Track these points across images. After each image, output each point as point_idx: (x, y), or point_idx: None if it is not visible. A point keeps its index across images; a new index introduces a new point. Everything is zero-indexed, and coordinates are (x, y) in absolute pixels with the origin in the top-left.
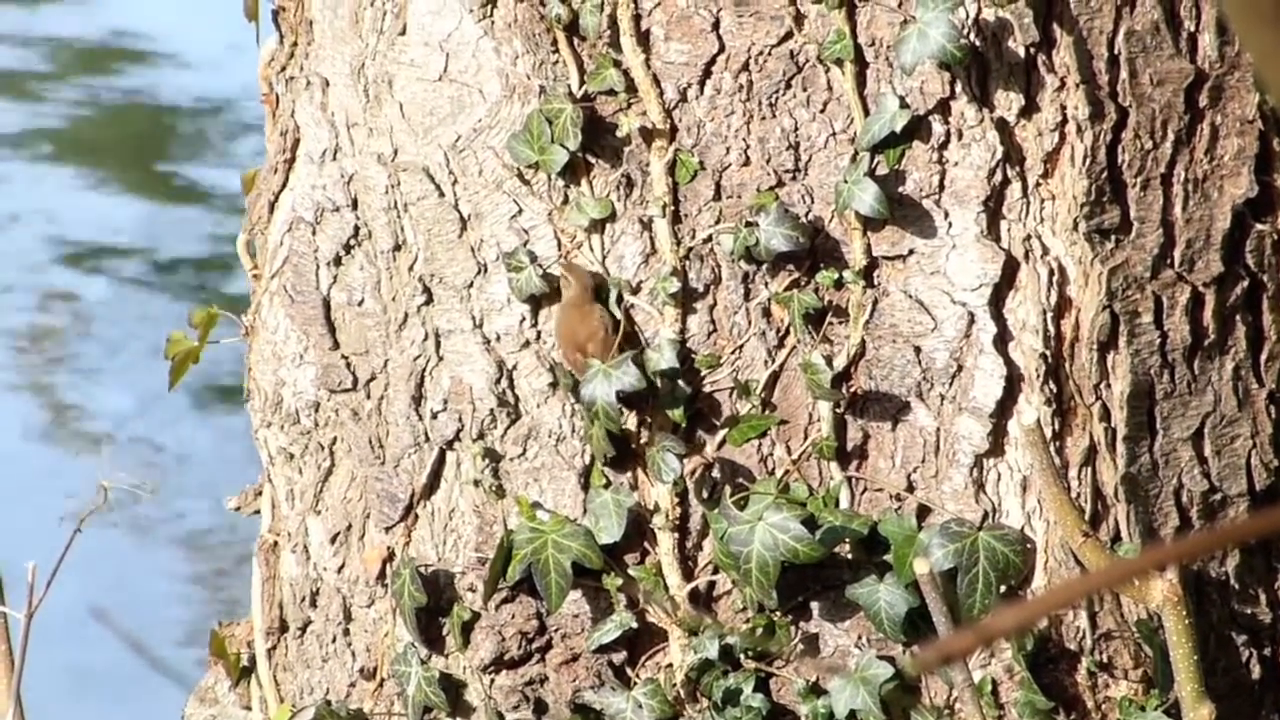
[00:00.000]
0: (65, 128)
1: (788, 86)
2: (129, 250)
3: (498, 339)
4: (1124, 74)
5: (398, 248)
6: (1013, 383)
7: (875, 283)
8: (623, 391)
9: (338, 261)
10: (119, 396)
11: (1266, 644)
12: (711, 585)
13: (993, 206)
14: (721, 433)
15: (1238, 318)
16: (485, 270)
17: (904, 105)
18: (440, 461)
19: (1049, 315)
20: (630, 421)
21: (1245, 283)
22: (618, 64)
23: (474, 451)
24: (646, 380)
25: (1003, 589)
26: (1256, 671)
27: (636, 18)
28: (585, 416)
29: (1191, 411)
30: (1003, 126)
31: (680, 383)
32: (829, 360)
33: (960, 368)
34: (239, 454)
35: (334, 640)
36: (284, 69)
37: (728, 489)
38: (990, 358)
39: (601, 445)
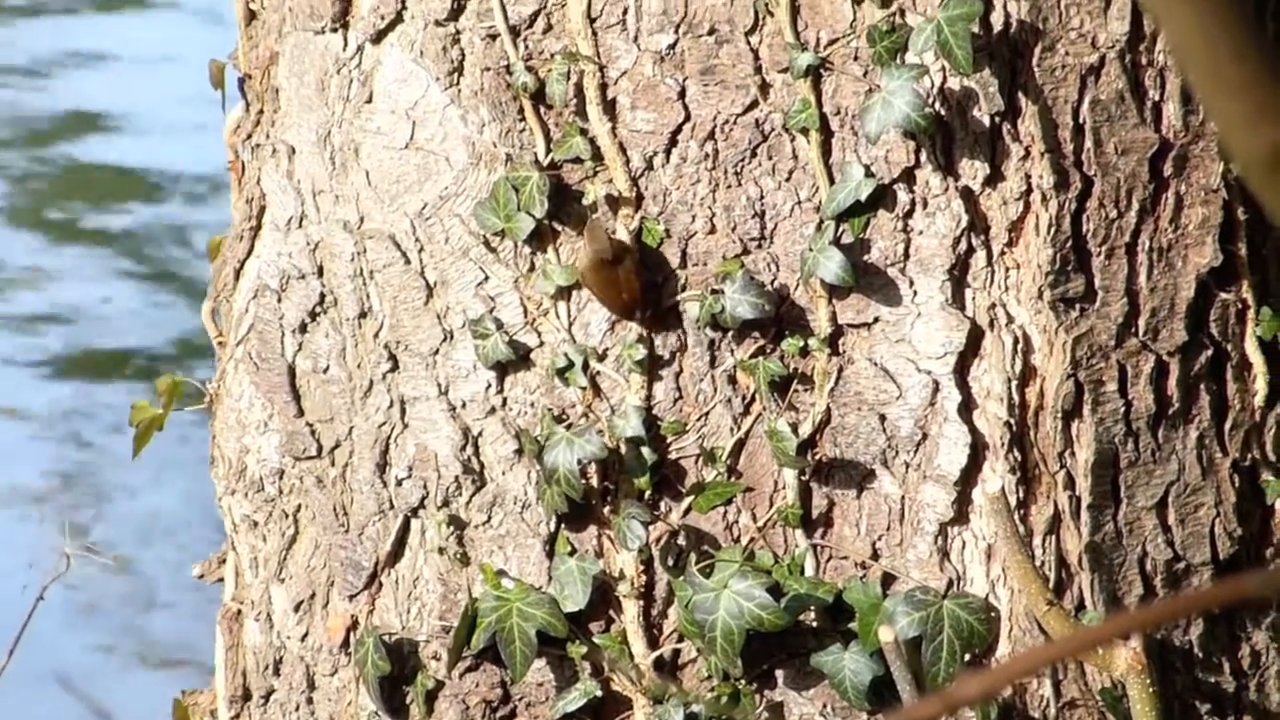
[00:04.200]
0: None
1: (753, 155)
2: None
3: (463, 406)
4: (1089, 143)
5: (363, 315)
6: (977, 451)
7: (840, 350)
8: (584, 459)
9: (303, 329)
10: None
11: (1230, 712)
12: (676, 653)
13: (957, 275)
14: (687, 500)
15: (1202, 387)
16: (451, 337)
17: (869, 174)
18: (405, 529)
19: (1013, 383)
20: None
21: (1209, 352)
22: (584, 132)
23: (438, 519)
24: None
25: (967, 657)
26: None
27: (603, 86)
28: (543, 480)
29: (1155, 480)
30: (967, 195)
31: (646, 450)
32: (794, 428)
33: (925, 435)
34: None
35: (297, 709)
36: (250, 136)
37: (693, 556)
38: (955, 425)
39: (556, 503)
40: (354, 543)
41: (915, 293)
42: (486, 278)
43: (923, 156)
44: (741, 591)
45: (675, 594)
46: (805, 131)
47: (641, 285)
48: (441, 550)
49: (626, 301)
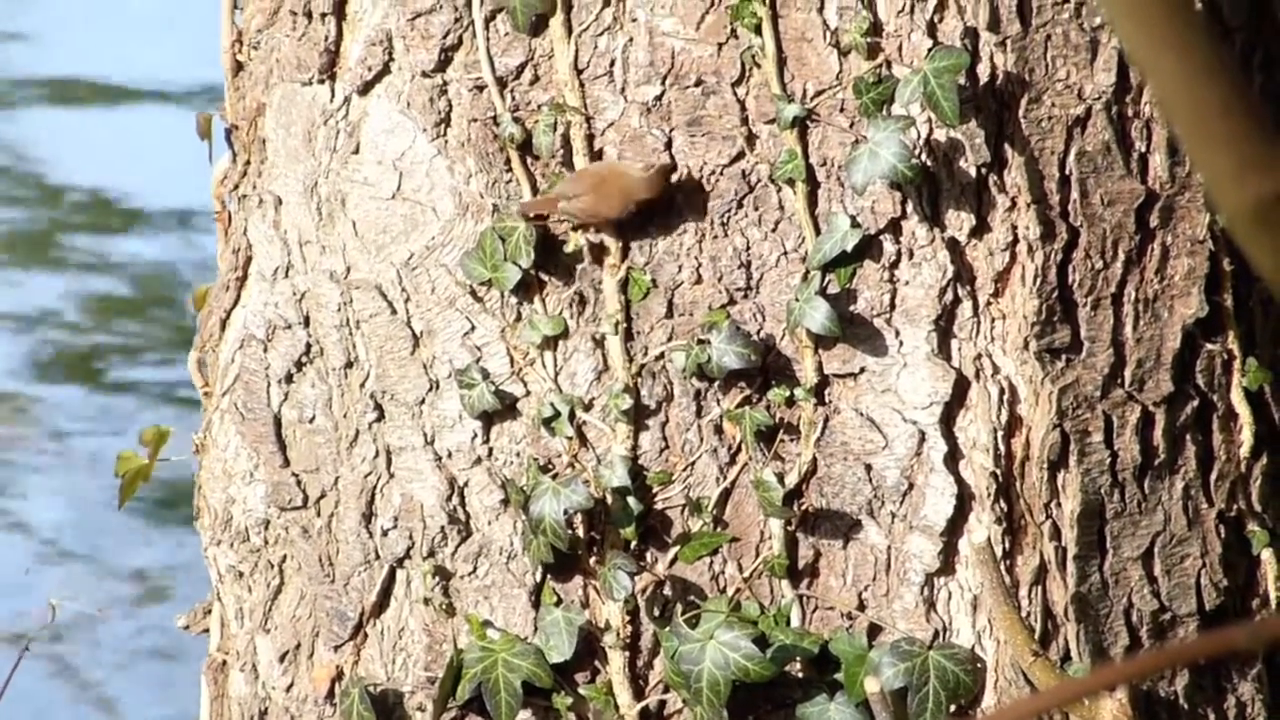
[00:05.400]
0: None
1: (739, 206)
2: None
3: (449, 455)
4: (1075, 194)
5: (349, 365)
6: (963, 501)
7: (826, 400)
8: (570, 510)
9: (289, 379)
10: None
11: None
12: (662, 704)
13: (943, 325)
14: (673, 550)
15: (1188, 437)
16: (437, 387)
17: (855, 224)
18: (390, 579)
19: (999, 434)
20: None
21: (1195, 402)
22: None
23: (424, 569)
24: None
25: (953, 708)
26: None
27: (590, 137)
28: (529, 530)
29: (1141, 531)
30: (954, 246)
31: (632, 500)
32: (780, 478)
33: (911, 486)
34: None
35: None
36: (237, 187)
37: (679, 607)
38: (941, 476)
39: (542, 553)
40: (339, 593)
41: (901, 343)
42: (473, 327)
43: (909, 207)
44: (727, 642)
45: (661, 644)
46: (791, 182)
47: (611, 220)
48: (427, 601)
49: (593, 214)
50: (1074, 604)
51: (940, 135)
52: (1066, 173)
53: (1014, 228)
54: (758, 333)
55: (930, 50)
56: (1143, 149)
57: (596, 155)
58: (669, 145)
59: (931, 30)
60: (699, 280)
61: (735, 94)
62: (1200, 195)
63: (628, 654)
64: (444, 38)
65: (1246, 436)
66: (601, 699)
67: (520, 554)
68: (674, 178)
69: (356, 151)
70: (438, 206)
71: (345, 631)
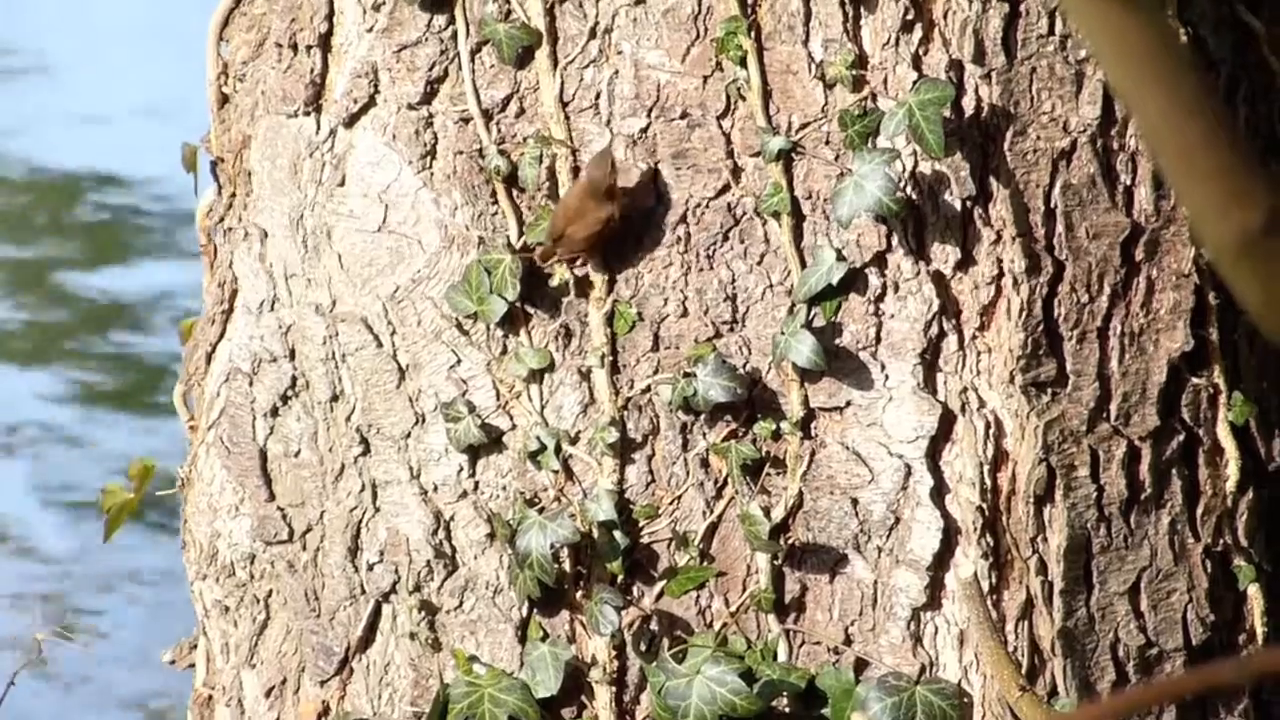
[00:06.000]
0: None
1: (725, 239)
2: None
3: (435, 489)
4: (1060, 227)
5: (335, 398)
6: (950, 535)
7: (813, 434)
8: (557, 544)
9: (275, 412)
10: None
11: None
12: None
13: (929, 359)
14: (660, 584)
15: (1174, 471)
16: (423, 420)
17: (841, 258)
18: (376, 614)
19: (986, 468)
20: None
21: (1181, 436)
22: None
23: (410, 604)
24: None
25: None
26: None
27: (575, 170)
28: (515, 564)
29: (1128, 565)
30: (939, 279)
31: (618, 534)
32: (767, 511)
33: (898, 520)
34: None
35: None
36: (222, 220)
37: (665, 641)
38: (927, 510)
39: (528, 588)
40: (325, 628)
41: (887, 377)
42: (459, 361)
43: (894, 240)
44: (714, 677)
45: (648, 680)
46: (777, 215)
47: (604, 233)
48: (413, 635)
49: (586, 239)
50: (1060, 639)
51: (925, 168)
52: (1052, 206)
53: (999, 261)
54: (744, 366)
55: (915, 83)
56: (1128, 182)
57: None
58: (654, 178)
59: (916, 63)
60: (685, 313)
61: (721, 127)
62: (1185, 229)
63: (614, 689)
64: (429, 70)
65: (1232, 471)
66: None
67: (506, 588)
68: (619, 160)
69: (342, 184)
70: (423, 239)
71: (331, 666)
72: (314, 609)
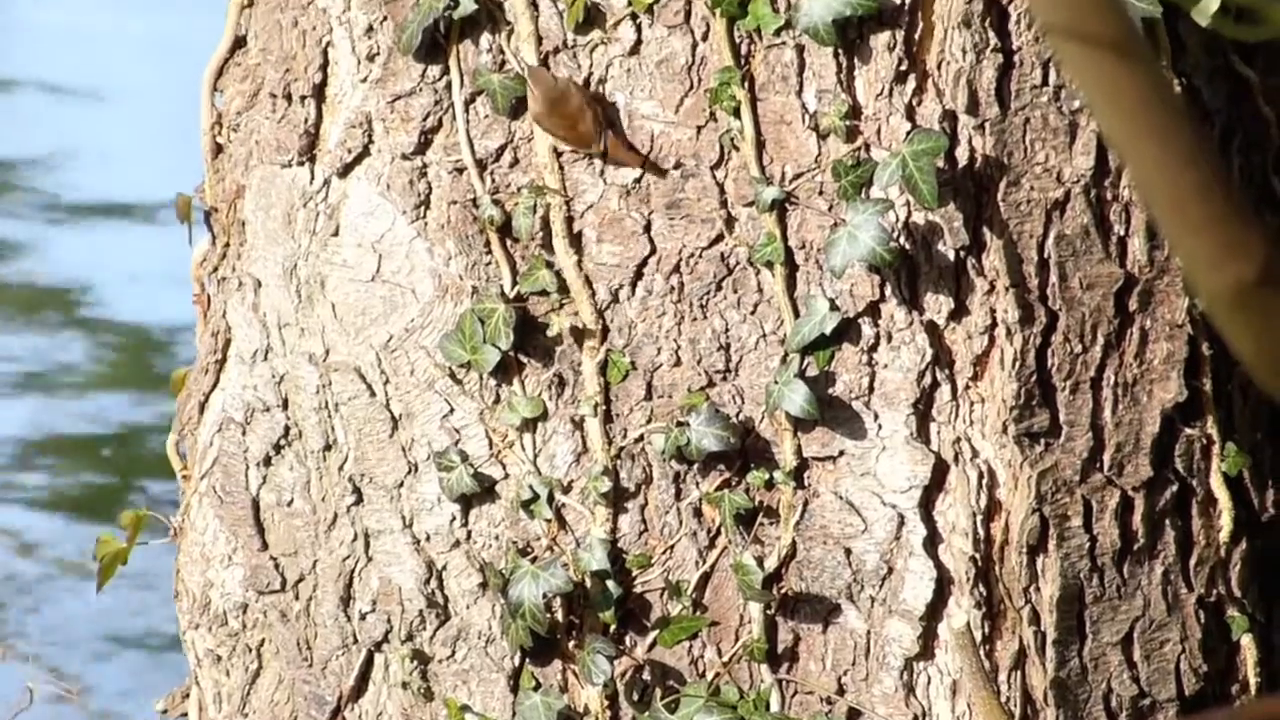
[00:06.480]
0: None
1: (719, 288)
2: None
3: (427, 539)
4: (1054, 278)
5: (328, 448)
6: (943, 585)
7: (806, 484)
8: (549, 593)
9: (267, 462)
10: None
11: None
12: None
13: (922, 409)
14: (652, 634)
15: (1167, 522)
16: (416, 470)
17: (834, 307)
18: (368, 663)
19: (978, 518)
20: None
21: (1175, 487)
22: (550, 265)
23: (402, 653)
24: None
25: None
26: None
27: (569, 219)
28: (508, 614)
29: (1121, 616)
30: (932, 329)
31: (611, 583)
32: (760, 561)
33: (891, 570)
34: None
35: None
36: (216, 269)
37: (658, 691)
38: (920, 560)
39: (520, 637)
40: (317, 677)
41: (880, 426)
42: (452, 410)
43: (887, 290)
44: None
45: None
46: (770, 265)
47: (595, 114)
48: (405, 685)
49: (583, 132)
50: (1053, 689)
51: (919, 218)
52: (1045, 256)
53: (993, 311)
54: (737, 415)
55: (909, 133)
56: (1121, 233)
57: (576, 238)
58: (648, 228)
59: (910, 113)
60: (678, 362)
61: (714, 177)
62: (1179, 279)
63: None
64: (424, 120)
65: (1226, 521)
66: None
67: (499, 638)
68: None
69: (336, 234)
70: (417, 289)
71: (323, 716)
72: (306, 658)
